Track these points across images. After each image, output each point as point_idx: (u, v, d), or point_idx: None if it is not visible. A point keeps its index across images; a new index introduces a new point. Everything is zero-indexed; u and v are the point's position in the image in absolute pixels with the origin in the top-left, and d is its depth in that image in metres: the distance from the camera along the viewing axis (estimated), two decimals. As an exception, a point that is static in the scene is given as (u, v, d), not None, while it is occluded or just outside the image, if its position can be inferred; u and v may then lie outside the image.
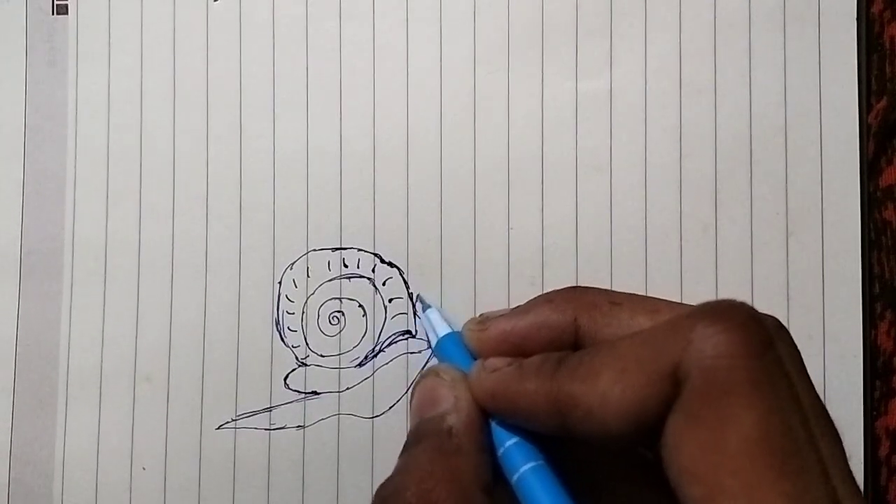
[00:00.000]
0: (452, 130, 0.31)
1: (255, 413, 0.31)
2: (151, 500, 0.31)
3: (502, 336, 0.25)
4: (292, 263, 0.31)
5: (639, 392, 0.20)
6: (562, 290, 0.26)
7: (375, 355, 0.31)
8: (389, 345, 0.31)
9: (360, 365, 0.31)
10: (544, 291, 0.26)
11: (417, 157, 0.31)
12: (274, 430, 0.31)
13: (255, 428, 0.31)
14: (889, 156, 0.30)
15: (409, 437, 0.24)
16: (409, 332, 0.31)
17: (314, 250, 0.31)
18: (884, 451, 0.30)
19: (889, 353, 0.30)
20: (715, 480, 0.18)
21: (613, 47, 0.31)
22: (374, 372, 0.31)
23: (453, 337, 0.27)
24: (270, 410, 0.31)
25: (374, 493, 0.22)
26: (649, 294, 0.29)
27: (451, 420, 0.23)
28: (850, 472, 0.20)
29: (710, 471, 0.18)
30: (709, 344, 0.19)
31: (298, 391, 0.31)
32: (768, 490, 0.18)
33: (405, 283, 0.31)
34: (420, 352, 0.30)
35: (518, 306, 0.25)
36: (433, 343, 0.28)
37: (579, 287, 0.26)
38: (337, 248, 0.31)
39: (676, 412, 0.19)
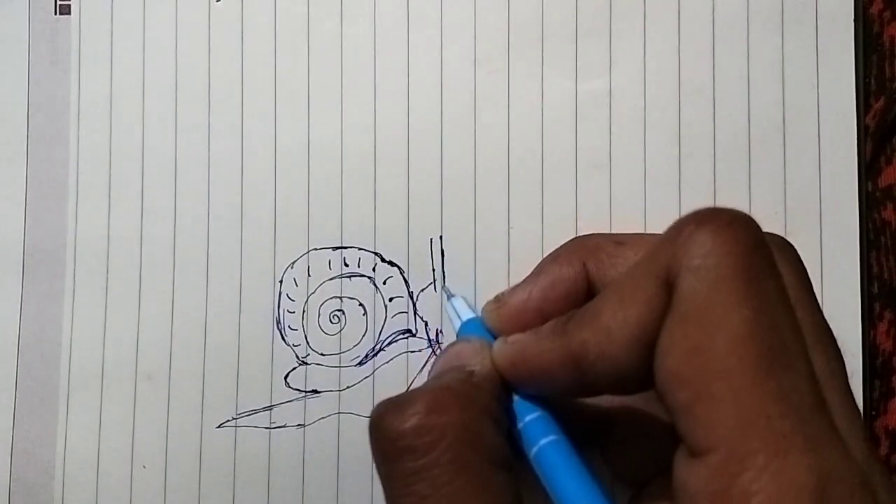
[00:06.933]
0: (453, 130, 0.31)
1: (255, 411, 0.31)
2: (152, 498, 0.31)
3: (520, 306, 0.24)
4: (293, 262, 0.31)
5: (637, 313, 0.19)
6: (565, 243, 0.26)
7: (376, 354, 0.31)
8: (390, 344, 0.31)
9: (361, 364, 0.31)
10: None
11: (418, 157, 0.31)
12: (274, 428, 0.31)
13: (256, 426, 0.31)
14: (888, 155, 0.31)
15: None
16: (409, 330, 0.31)
17: (315, 249, 0.31)
18: (883, 450, 0.30)
19: (888, 352, 0.30)
20: (702, 384, 0.18)
21: (613, 48, 0.31)
22: (374, 371, 0.31)
23: (475, 322, 0.26)
24: (271, 409, 0.31)
25: (373, 493, 0.22)
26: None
27: (475, 369, 0.23)
28: (848, 388, 0.19)
29: (697, 374, 0.18)
30: (695, 244, 0.19)
31: (299, 390, 0.31)
32: (755, 392, 0.17)
33: (405, 282, 0.31)
34: (420, 350, 0.31)
35: (528, 275, 0.25)
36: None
37: (581, 235, 0.26)
38: (338, 247, 0.31)
39: (668, 318, 0.19)
